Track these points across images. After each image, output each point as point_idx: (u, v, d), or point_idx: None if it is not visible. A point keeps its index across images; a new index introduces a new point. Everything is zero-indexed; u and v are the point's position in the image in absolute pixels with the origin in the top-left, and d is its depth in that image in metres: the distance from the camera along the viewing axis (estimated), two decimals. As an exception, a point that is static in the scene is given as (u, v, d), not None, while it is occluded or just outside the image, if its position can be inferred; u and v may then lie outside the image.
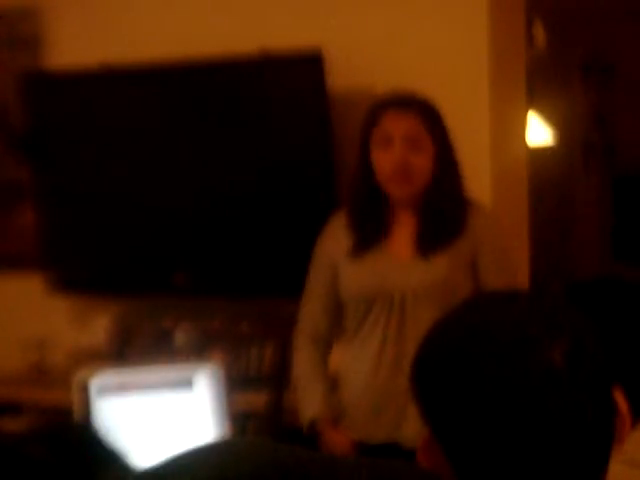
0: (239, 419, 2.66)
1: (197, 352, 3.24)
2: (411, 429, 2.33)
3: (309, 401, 2.48)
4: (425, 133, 2.34)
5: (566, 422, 0.91)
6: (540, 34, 4.65)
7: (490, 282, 2.37)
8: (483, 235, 2.39)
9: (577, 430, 0.91)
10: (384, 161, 2.35)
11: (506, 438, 0.91)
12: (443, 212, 2.38)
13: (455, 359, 0.94)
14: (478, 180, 2.88)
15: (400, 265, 2.38)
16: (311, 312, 2.54)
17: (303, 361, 2.54)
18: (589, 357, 0.93)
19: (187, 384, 2.40)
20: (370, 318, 2.39)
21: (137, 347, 3.39)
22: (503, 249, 2.46)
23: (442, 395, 0.95)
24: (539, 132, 5.46)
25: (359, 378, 2.42)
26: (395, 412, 2.36)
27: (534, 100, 4.67)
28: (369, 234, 2.42)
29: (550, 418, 0.90)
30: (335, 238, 2.49)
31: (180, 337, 3.34)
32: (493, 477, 0.93)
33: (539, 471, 0.92)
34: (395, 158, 2.33)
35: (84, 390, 2.34)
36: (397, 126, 2.34)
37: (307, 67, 3.05)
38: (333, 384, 2.51)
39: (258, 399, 2.84)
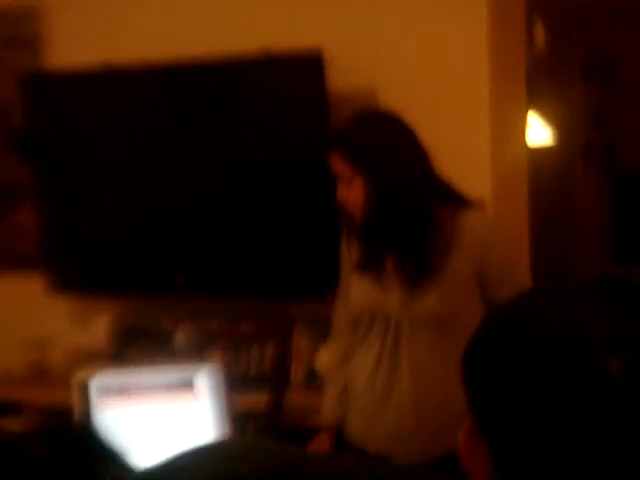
0: (239, 419, 2.66)
1: (197, 352, 3.24)
2: (403, 447, 2.33)
3: (323, 404, 2.58)
4: (349, 169, 2.33)
5: (615, 429, 0.89)
6: (540, 34, 4.64)
7: (498, 291, 2.29)
8: (486, 248, 2.31)
9: (625, 438, 0.90)
10: None
11: (551, 436, 0.90)
12: (408, 240, 2.32)
13: (509, 351, 0.93)
14: (478, 180, 2.89)
15: (397, 291, 2.35)
16: (337, 313, 2.58)
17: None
18: None
19: (187, 384, 2.40)
20: (372, 333, 2.40)
21: (137, 347, 3.38)
22: (510, 258, 2.41)
23: (491, 386, 0.93)
24: (539, 132, 5.46)
25: (358, 388, 2.45)
26: (387, 429, 2.36)
27: (534, 100, 4.67)
28: (366, 253, 2.43)
29: (599, 424, 0.89)
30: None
31: (180, 337, 3.34)
32: (534, 472, 0.92)
33: (579, 471, 0.91)
34: (336, 199, 2.39)
35: (84, 390, 2.34)
36: (332, 167, 2.38)
37: (307, 67, 3.05)
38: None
39: (258, 399, 2.83)
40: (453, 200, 2.36)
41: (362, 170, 2.31)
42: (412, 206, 2.32)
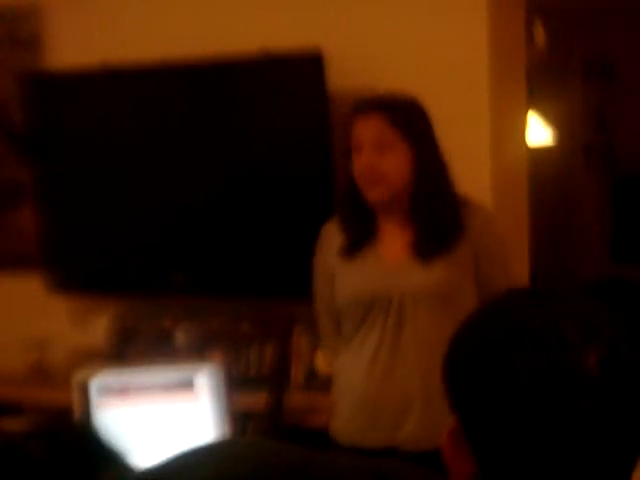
0: (239, 419, 2.66)
1: (197, 352, 3.24)
2: (409, 432, 2.33)
3: None
4: (394, 134, 2.32)
5: (595, 427, 0.90)
6: (540, 34, 4.64)
7: (491, 286, 2.34)
8: (483, 237, 2.37)
9: (606, 436, 0.91)
10: (356, 166, 2.37)
11: (533, 437, 0.90)
12: (436, 213, 2.35)
13: (488, 354, 0.94)
14: (478, 180, 2.89)
15: (397, 269, 2.36)
16: (321, 323, 2.58)
17: None
18: (624, 365, 0.92)
19: (187, 384, 2.40)
20: (367, 322, 2.38)
21: (137, 347, 3.38)
22: (503, 252, 2.45)
23: (472, 389, 0.94)
24: (539, 132, 5.46)
25: (355, 383, 2.41)
26: (392, 416, 2.35)
27: (534, 100, 4.67)
28: (357, 236, 2.42)
29: (579, 422, 0.90)
30: (329, 246, 2.49)
31: (180, 337, 3.34)
32: (516, 473, 0.93)
33: (562, 470, 0.92)
34: (362, 163, 2.34)
35: (84, 390, 2.34)
36: (364, 132, 2.34)
37: (307, 67, 3.05)
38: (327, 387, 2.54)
39: (258, 399, 2.83)
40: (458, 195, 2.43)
41: (409, 139, 2.33)
42: (447, 181, 2.38)
